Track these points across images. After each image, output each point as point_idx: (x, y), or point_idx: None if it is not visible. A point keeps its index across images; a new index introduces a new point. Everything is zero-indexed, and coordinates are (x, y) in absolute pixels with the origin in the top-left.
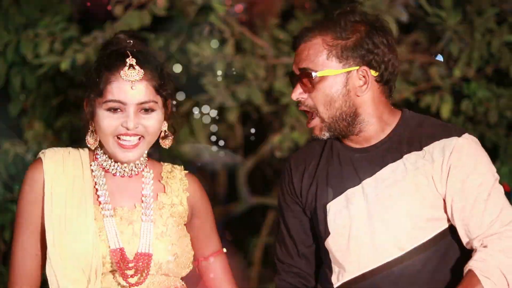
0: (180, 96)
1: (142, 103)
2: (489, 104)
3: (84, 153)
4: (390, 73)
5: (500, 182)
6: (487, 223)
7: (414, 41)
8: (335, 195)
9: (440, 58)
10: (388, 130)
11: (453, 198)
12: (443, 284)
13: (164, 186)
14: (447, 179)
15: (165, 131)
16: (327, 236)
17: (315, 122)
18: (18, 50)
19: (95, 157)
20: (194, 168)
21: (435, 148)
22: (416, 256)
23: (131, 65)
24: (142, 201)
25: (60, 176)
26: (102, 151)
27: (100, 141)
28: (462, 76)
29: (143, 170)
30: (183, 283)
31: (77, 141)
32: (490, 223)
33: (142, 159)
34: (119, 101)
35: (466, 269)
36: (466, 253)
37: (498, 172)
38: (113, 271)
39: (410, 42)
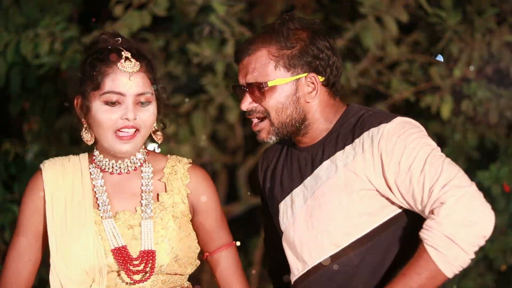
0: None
1: (140, 94)
2: (489, 104)
3: (83, 158)
4: (334, 76)
5: (500, 182)
6: (428, 191)
7: (414, 41)
8: (284, 195)
9: (440, 58)
10: (330, 127)
11: (397, 184)
12: (386, 279)
13: (165, 184)
14: (382, 169)
15: (155, 126)
16: (282, 235)
17: (264, 125)
18: (18, 50)
19: (93, 159)
20: None
21: (365, 139)
22: (352, 251)
23: (127, 58)
24: (142, 199)
25: (60, 185)
26: (98, 151)
27: (95, 138)
28: (462, 76)
29: (141, 165)
30: (189, 283)
31: (77, 142)
32: (430, 190)
33: (139, 155)
34: (118, 93)
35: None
36: (412, 247)
37: (498, 172)
38: (118, 270)
39: (410, 42)
